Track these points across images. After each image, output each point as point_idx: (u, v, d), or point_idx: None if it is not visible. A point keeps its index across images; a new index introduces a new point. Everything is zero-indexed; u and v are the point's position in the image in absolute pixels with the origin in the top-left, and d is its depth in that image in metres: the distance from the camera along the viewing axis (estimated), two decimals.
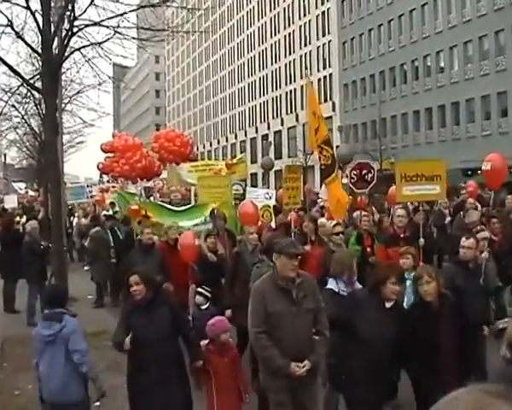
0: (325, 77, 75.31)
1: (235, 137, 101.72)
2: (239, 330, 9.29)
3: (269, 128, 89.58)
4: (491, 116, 50.49)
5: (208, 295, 9.69)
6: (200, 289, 9.78)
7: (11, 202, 27.81)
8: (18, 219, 22.17)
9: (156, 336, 6.59)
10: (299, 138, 76.75)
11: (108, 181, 30.11)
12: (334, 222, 11.10)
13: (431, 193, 11.65)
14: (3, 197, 35.83)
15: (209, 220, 14.65)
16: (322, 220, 12.82)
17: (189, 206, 16.60)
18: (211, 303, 9.75)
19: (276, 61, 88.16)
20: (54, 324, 6.63)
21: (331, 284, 7.68)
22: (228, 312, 9.61)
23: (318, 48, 77.01)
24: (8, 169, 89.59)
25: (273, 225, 14.69)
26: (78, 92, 20.30)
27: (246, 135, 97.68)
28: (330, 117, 71.64)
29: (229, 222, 14.39)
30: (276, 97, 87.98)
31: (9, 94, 15.64)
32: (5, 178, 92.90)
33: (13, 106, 22.21)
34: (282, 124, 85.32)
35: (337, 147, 58.04)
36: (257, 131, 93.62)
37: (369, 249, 11.69)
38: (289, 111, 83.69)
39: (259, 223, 14.16)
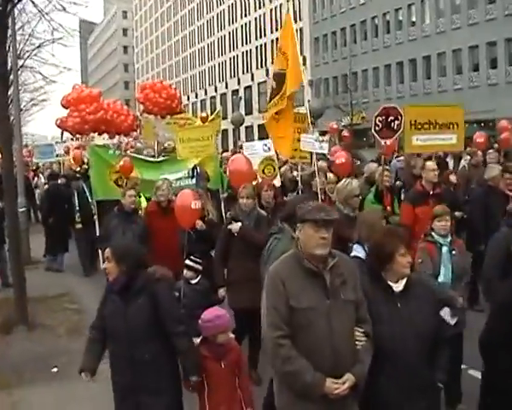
0: (296, 30, 73.39)
1: (205, 93, 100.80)
2: (235, 314, 7.80)
3: (239, 83, 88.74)
4: (463, 70, 50.32)
5: (199, 267, 8.17)
6: (188, 262, 8.17)
7: None
8: None
9: (127, 332, 5.20)
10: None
11: (72, 139, 28.88)
12: (350, 181, 8.71)
13: (446, 143, 10.70)
14: None
15: (192, 175, 13.62)
16: (331, 176, 11.32)
17: (168, 157, 15.17)
18: (202, 277, 8.22)
19: (245, 16, 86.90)
20: None
21: (358, 252, 6.08)
22: (221, 291, 8.17)
23: (289, 1, 75.78)
24: None
25: (277, 182, 12.73)
26: (39, 46, 19.42)
27: (216, 91, 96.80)
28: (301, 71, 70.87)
29: (214, 178, 13.39)
30: (246, 52, 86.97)
31: None
32: None
33: None
34: (253, 79, 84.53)
35: (308, 101, 58.12)
36: (227, 87, 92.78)
37: (389, 208, 10.27)
38: (260, 66, 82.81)
39: (259, 180, 12.29)
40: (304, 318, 4.33)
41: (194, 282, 8.08)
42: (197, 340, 5.73)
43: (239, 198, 8.37)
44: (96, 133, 24.45)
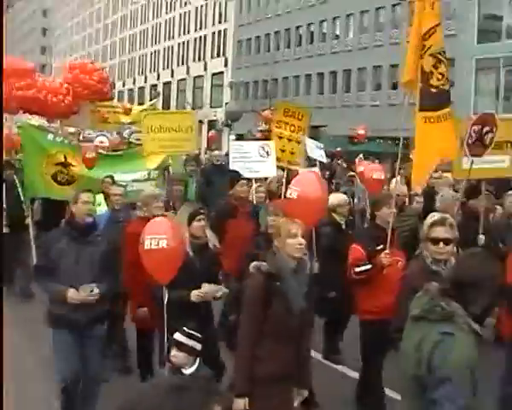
0: (220, 31, 73.85)
1: (123, 85, 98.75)
2: None
3: (158, 78, 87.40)
4: (382, 87, 51.03)
5: (197, 346, 4.91)
6: (179, 337, 4.90)
7: None
8: None
9: None
10: (188, 91, 75.76)
11: None
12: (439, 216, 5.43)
13: (501, 168, 8.60)
14: None
15: (154, 176, 10.68)
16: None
17: (121, 152, 12.60)
18: (201, 361, 4.97)
19: (170, 11, 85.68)
20: None
21: None
22: (239, 403, 4.53)
23: (215, 1, 75.31)
24: None
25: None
26: None
27: (134, 83, 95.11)
28: (222, 72, 70.78)
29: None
30: (168, 48, 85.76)
31: None
32: None
33: None
34: (173, 75, 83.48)
35: (226, 104, 57.84)
36: (146, 81, 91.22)
37: None
38: (181, 63, 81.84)
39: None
40: None
41: (188, 372, 4.78)
42: None
43: (279, 237, 4.80)
44: (27, 114, 22.04)
